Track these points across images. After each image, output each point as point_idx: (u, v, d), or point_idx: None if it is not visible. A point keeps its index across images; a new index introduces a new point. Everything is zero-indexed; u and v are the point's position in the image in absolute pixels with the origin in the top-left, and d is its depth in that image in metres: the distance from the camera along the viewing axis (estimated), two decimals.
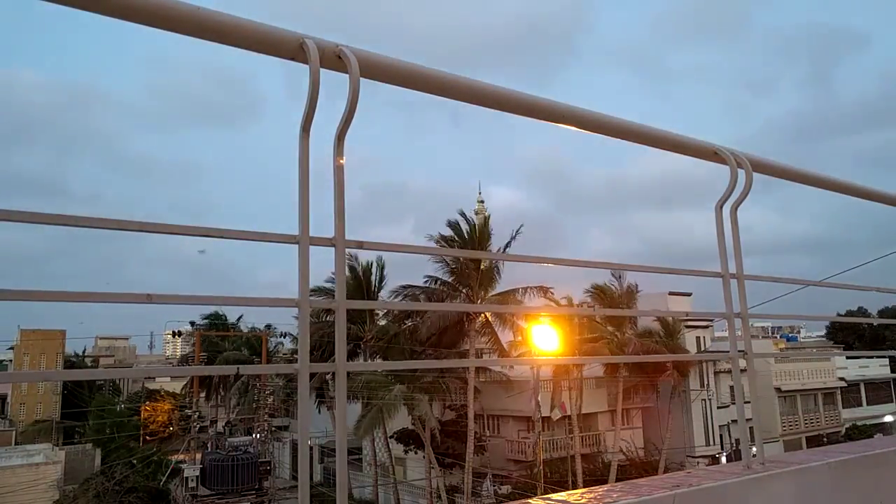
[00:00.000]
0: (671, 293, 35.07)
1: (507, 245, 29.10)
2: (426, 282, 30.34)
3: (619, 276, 31.69)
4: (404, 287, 31.46)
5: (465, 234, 28.87)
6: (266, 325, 42.48)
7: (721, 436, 35.10)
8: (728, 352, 2.38)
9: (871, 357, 45.92)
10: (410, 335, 31.26)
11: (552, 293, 29.64)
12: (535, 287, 29.17)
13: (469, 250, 30.01)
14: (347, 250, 1.50)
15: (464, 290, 29.10)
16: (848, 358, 44.10)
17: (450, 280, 29.79)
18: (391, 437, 32.45)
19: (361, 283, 32.57)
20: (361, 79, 1.44)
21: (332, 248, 1.47)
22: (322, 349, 27.54)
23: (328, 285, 26.79)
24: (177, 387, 48.53)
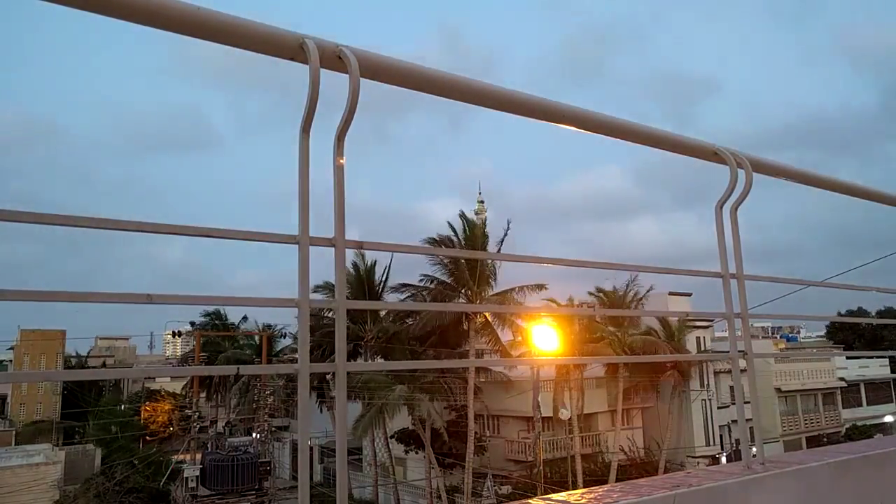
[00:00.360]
0: (671, 293, 35.08)
1: (501, 242, 29.20)
2: (422, 281, 30.38)
3: (633, 279, 31.91)
4: (403, 285, 31.49)
5: (462, 235, 28.94)
6: (266, 325, 42.51)
7: (721, 436, 35.10)
8: (728, 352, 2.38)
9: (871, 357, 45.90)
10: (411, 335, 31.29)
11: (550, 298, 29.72)
12: (533, 285, 29.23)
13: (469, 250, 30.03)
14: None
15: (463, 290, 29.12)
16: (848, 358, 44.08)
17: (448, 280, 29.80)
18: (391, 437, 32.46)
19: (364, 283, 32.59)
20: (362, 79, 1.45)
21: (332, 248, 1.47)
22: (322, 349, 27.55)
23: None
24: (177, 387, 48.56)
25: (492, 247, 29.57)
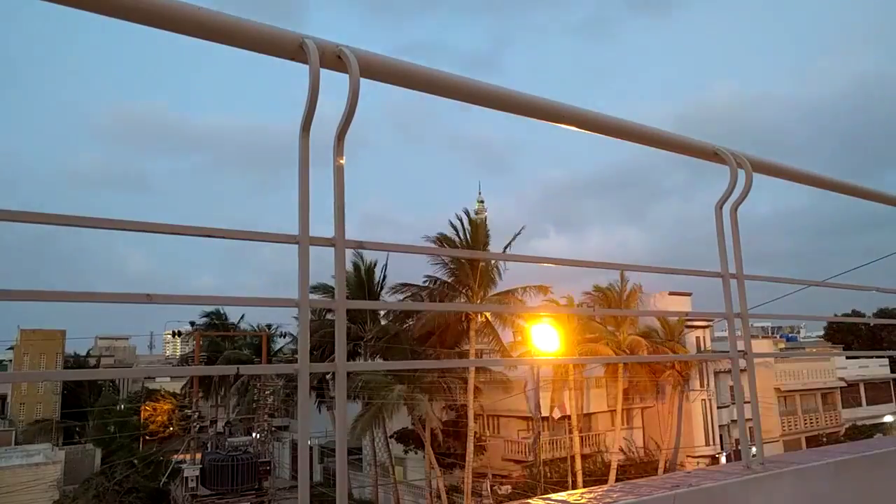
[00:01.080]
0: (671, 293, 35.06)
1: (507, 246, 29.23)
2: (425, 281, 30.36)
3: (624, 278, 31.80)
4: (403, 285, 31.47)
5: (462, 235, 28.96)
6: (266, 325, 42.48)
7: (721, 436, 35.09)
8: (728, 352, 2.38)
9: (871, 357, 45.91)
10: (411, 335, 31.27)
11: (551, 292, 29.71)
12: (535, 286, 29.22)
13: (469, 250, 30.01)
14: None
15: (463, 290, 29.11)
16: (848, 358, 44.08)
17: (449, 280, 29.79)
18: (391, 437, 32.44)
19: (363, 283, 32.55)
20: (362, 79, 1.45)
21: (332, 248, 1.47)
22: (322, 349, 27.53)
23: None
24: (177, 387, 48.52)
25: (493, 248, 29.66)
